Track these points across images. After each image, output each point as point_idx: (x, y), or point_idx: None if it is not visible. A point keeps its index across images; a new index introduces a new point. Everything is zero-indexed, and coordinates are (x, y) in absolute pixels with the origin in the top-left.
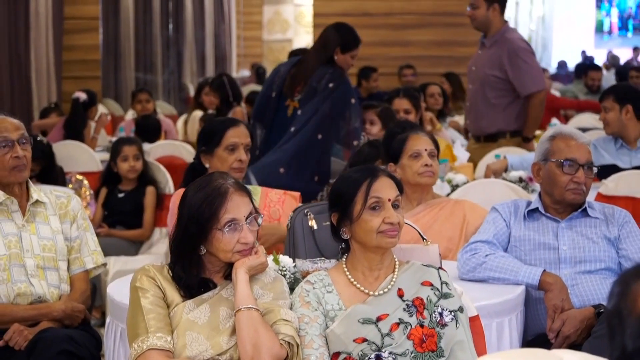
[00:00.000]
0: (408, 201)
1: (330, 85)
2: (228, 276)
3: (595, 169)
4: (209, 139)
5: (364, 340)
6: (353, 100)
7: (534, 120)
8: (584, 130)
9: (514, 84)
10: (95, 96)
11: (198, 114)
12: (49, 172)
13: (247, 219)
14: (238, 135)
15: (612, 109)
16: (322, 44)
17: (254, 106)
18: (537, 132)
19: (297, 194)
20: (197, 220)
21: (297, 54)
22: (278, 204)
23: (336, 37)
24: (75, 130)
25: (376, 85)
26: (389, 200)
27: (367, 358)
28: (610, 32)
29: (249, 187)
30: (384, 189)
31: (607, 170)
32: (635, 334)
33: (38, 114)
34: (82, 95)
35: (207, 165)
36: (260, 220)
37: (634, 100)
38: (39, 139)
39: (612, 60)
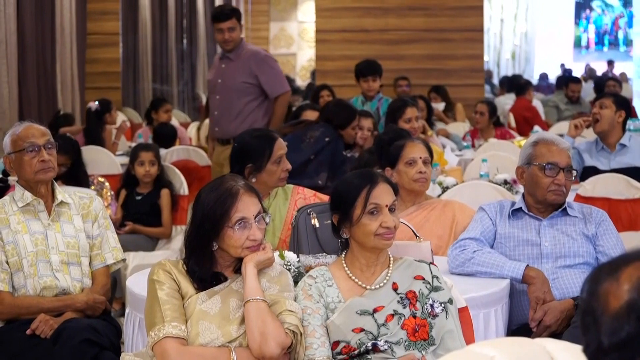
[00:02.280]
0: (402, 202)
1: (327, 139)
2: (238, 270)
3: (574, 172)
4: (257, 155)
5: (362, 330)
6: (342, 161)
7: (280, 119)
8: (563, 136)
9: (264, 88)
10: (108, 103)
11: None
12: (78, 167)
13: (256, 217)
14: (283, 147)
15: (609, 107)
16: (325, 116)
17: None
18: (520, 138)
19: (326, 197)
20: (210, 219)
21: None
22: None
23: (336, 115)
24: (92, 136)
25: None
26: (386, 205)
27: (364, 346)
28: (587, 47)
29: (282, 188)
30: (382, 195)
31: (587, 172)
32: (611, 331)
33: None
34: (94, 105)
35: (252, 180)
36: (267, 219)
37: (628, 110)
38: (67, 135)
39: (590, 73)
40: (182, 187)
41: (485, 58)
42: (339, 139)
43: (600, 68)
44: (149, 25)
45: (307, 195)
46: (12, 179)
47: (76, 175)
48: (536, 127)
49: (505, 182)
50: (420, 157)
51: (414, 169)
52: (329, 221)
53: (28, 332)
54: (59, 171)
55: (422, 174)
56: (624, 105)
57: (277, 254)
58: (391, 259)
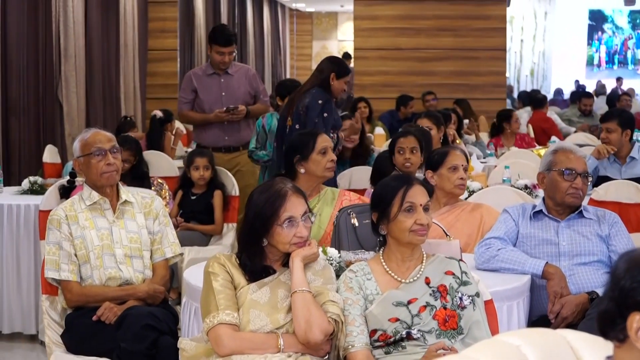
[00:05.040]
0: (437, 203)
1: (320, 101)
2: (285, 264)
3: (590, 178)
4: (302, 147)
5: (397, 319)
6: (326, 114)
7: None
8: (578, 146)
9: (260, 96)
10: (170, 114)
11: None
12: (140, 164)
13: (302, 216)
14: (327, 141)
15: (615, 131)
16: (318, 71)
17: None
18: (538, 148)
19: (368, 200)
20: (261, 217)
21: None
22: None
23: (331, 65)
24: (153, 142)
25: (412, 111)
26: (421, 204)
27: (399, 335)
28: (599, 65)
29: (331, 189)
30: (417, 195)
31: (601, 181)
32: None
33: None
34: (158, 113)
35: (302, 171)
36: (313, 219)
37: (632, 127)
38: (130, 134)
39: (600, 89)
40: (234, 188)
41: (507, 74)
42: (331, 101)
43: (610, 84)
44: (204, 42)
45: (352, 198)
46: (78, 180)
47: (140, 174)
48: (553, 138)
49: (526, 187)
50: (462, 165)
51: (455, 175)
52: (367, 221)
53: (94, 318)
54: (124, 168)
55: (463, 180)
56: (629, 123)
57: (321, 250)
58: (424, 255)
